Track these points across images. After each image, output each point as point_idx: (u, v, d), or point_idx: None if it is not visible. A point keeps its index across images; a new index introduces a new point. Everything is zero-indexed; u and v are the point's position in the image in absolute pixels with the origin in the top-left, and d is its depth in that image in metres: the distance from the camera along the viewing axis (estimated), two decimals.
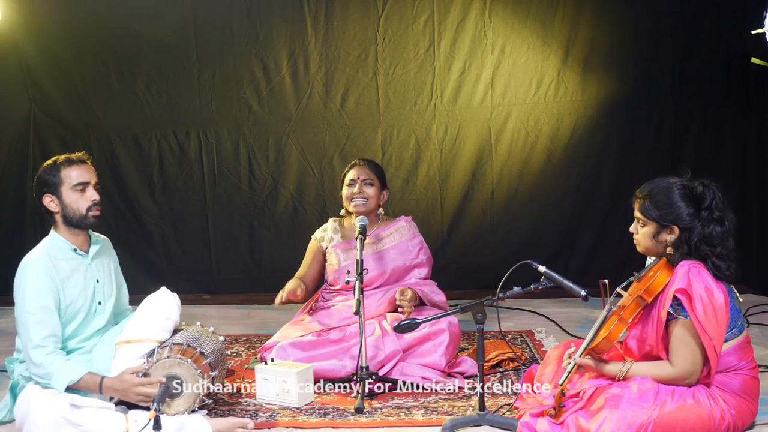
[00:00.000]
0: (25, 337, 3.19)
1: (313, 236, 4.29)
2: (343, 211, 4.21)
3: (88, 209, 3.31)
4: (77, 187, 3.29)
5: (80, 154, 3.38)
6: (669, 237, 3.06)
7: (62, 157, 3.35)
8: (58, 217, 3.32)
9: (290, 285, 4.00)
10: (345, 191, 4.14)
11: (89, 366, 3.21)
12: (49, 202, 3.30)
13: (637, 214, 3.12)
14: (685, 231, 3.02)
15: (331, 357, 3.77)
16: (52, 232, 3.35)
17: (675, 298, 2.97)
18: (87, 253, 3.38)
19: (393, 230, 4.19)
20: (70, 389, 3.13)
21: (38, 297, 3.18)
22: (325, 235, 4.24)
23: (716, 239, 3.00)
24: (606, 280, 3.10)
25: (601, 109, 5.41)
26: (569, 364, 3.12)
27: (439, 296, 4.11)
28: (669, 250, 3.07)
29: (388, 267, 4.10)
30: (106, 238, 3.56)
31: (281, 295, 3.96)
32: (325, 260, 4.23)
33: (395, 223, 4.22)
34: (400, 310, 3.98)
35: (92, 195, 3.32)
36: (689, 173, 3.12)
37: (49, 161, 3.36)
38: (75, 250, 3.34)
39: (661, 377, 3.01)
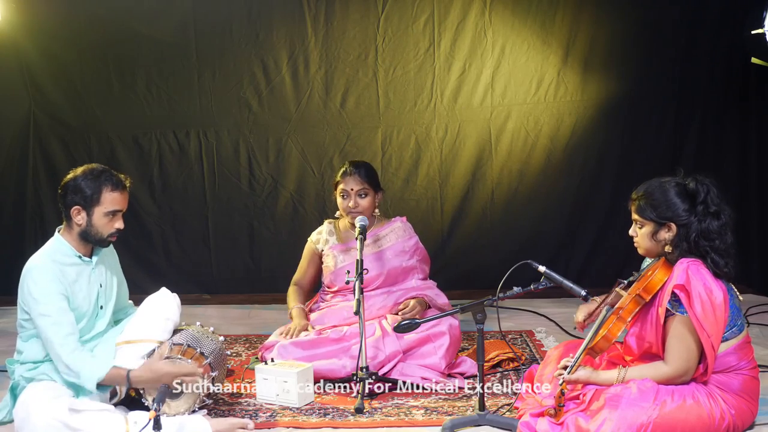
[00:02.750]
0: (45, 340, 3.17)
1: (308, 239, 4.28)
2: (338, 213, 4.19)
3: (110, 234, 3.30)
4: (110, 213, 3.26)
5: (125, 177, 3.32)
6: (667, 235, 3.06)
7: (106, 172, 3.26)
8: (77, 228, 3.28)
9: (298, 322, 4.01)
10: (340, 202, 4.09)
11: (110, 361, 3.21)
12: (76, 214, 3.26)
13: (634, 215, 3.13)
14: (683, 227, 3.03)
15: (331, 357, 3.77)
16: (58, 235, 3.32)
17: (673, 294, 2.97)
18: (91, 258, 3.38)
19: (389, 231, 4.19)
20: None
21: (51, 299, 3.17)
22: (321, 237, 4.24)
23: (714, 233, 3.01)
24: (625, 282, 3.11)
25: (601, 109, 5.41)
26: (561, 376, 3.10)
27: (442, 299, 4.13)
28: (668, 248, 3.07)
29: (386, 268, 4.10)
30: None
31: (292, 334, 3.94)
32: (321, 262, 4.23)
33: (391, 224, 4.22)
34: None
35: (118, 223, 3.30)
36: (682, 172, 3.13)
37: (91, 169, 3.27)
38: (79, 256, 3.33)
39: (656, 377, 3.00)
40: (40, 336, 3.21)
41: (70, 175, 3.29)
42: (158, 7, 5.33)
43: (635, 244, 3.18)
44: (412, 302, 4.01)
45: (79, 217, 3.26)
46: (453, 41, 5.36)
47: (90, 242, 3.31)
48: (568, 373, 3.07)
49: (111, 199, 3.25)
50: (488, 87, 5.40)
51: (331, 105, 5.44)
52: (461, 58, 5.37)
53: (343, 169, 4.13)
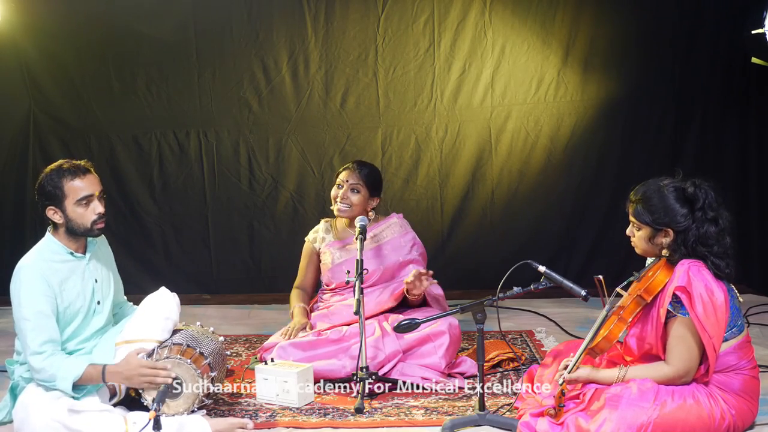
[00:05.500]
0: (23, 343, 3.18)
1: (306, 239, 4.29)
2: (333, 208, 4.18)
3: (93, 222, 3.26)
4: (82, 201, 3.23)
5: (83, 162, 3.30)
6: (664, 240, 3.06)
7: (65, 164, 3.25)
8: (61, 227, 3.27)
9: (298, 320, 4.00)
10: (333, 190, 4.13)
11: (88, 359, 3.21)
12: (52, 214, 3.24)
13: (631, 218, 3.12)
14: (681, 233, 3.02)
15: (331, 357, 3.77)
16: (49, 235, 3.31)
17: (674, 295, 2.97)
18: (84, 254, 3.37)
19: (385, 227, 4.19)
20: (74, 387, 3.13)
21: (34, 303, 3.16)
22: (317, 235, 4.24)
23: (712, 239, 3.01)
24: (601, 276, 3.09)
25: (601, 109, 5.41)
26: (561, 377, 3.10)
27: (438, 290, 4.10)
28: (665, 252, 3.07)
29: (383, 263, 4.10)
30: (102, 235, 3.53)
31: (291, 333, 3.94)
32: (320, 261, 4.23)
33: (387, 220, 4.22)
34: (413, 292, 3.92)
35: (97, 207, 3.26)
36: (681, 173, 3.12)
37: (50, 168, 3.26)
38: (72, 253, 3.32)
39: (657, 378, 3.01)
40: (19, 338, 3.21)
41: (37, 181, 3.29)
42: (158, 7, 5.32)
43: (632, 244, 3.18)
44: (413, 271, 3.91)
45: (57, 216, 3.24)
46: (453, 41, 5.35)
47: (79, 236, 3.30)
48: (569, 372, 3.07)
49: (75, 188, 3.22)
50: (488, 87, 5.40)
51: (331, 105, 5.43)
52: (461, 58, 5.37)
53: (347, 164, 4.18)
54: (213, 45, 5.38)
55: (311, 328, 4.02)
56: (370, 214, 4.14)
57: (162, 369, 3.13)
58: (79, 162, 3.30)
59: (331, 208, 4.17)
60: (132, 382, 3.14)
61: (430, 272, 3.91)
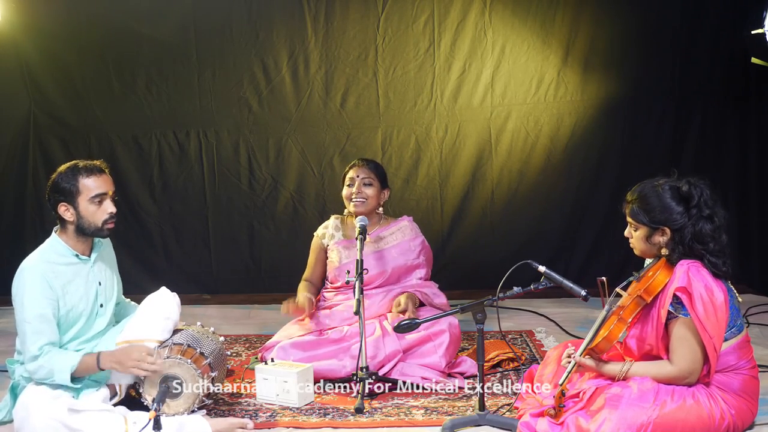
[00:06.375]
0: (23, 345, 3.19)
1: (315, 233, 4.29)
2: (346, 211, 4.21)
3: (104, 222, 3.28)
4: (95, 198, 3.25)
5: (99, 162, 3.32)
6: (661, 239, 3.07)
7: (81, 163, 3.28)
8: (71, 226, 3.28)
9: (302, 300, 3.99)
10: (344, 191, 4.15)
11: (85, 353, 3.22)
12: (64, 211, 3.25)
13: (628, 218, 3.13)
14: (677, 232, 3.03)
15: (331, 357, 3.77)
16: (55, 236, 3.31)
17: (675, 296, 2.97)
18: (89, 257, 3.37)
19: (395, 230, 4.20)
20: (72, 379, 3.13)
21: (35, 305, 3.16)
22: (327, 231, 4.25)
23: (707, 237, 3.01)
24: (604, 278, 3.10)
25: (601, 109, 5.41)
26: (569, 363, 3.12)
27: (440, 298, 4.12)
28: (664, 251, 3.08)
29: (389, 266, 4.10)
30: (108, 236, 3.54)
31: (288, 307, 3.95)
32: (326, 257, 4.23)
33: (397, 223, 4.22)
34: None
35: (109, 207, 3.28)
36: (676, 173, 3.13)
37: (66, 166, 3.29)
38: (77, 255, 3.32)
39: (661, 377, 3.01)
40: (19, 339, 3.22)
41: (51, 178, 3.30)
42: (158, 7, 5.33)
43: (631, 246, 3.19)
44: (402, 299, 3.99)
45: (68, 213, 3.25)
46: (453, 41, 5.36)
47: (88, 235, 3.30)
48: (579, 355, 3.07)
49: (89, 185, 3.24)
50: (488, 87, 5.40)
51: (331, 105, 5.44)
52: (461, 58, 5.37)
53: (351, 163, 4.21)
54: (213, 45, 5.38)
55: (313, 307, 4.00)
56: (380, 209, 4.16)
57: (154, 362, 3.13)
58: (94, 162, 3.32)
59: (345, 212, 4.19)
60: (123, 366, 3.14)
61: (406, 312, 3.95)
